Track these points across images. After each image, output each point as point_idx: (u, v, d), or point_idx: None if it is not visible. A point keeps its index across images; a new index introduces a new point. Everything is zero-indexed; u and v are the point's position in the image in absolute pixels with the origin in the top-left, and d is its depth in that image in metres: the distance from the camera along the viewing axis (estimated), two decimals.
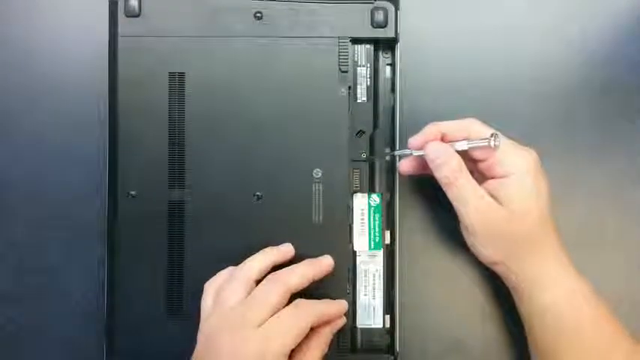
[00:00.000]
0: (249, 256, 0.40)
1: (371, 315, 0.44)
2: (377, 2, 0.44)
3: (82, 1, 0.47)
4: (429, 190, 0.46)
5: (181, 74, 0.43)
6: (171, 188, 0.43)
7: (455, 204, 0.40)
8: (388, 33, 0.44)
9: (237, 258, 0.41)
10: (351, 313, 0.43)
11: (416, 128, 0.44)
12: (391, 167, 0.44)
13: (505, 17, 0.48)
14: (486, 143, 0.40)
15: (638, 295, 0.47)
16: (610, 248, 0.47)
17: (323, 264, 0.41)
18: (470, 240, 0.41)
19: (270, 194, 0.43)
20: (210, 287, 0.40)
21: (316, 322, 0.39)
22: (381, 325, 0.44)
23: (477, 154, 0.41)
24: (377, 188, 0.44)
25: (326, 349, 0.40)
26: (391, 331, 0.44)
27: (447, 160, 0.40)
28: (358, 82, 0.45)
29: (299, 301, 0.38)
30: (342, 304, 0.41)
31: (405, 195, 0.46)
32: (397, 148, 0.44)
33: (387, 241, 0.44)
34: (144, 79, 0.43)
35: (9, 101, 0.47)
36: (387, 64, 0.45)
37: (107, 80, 0.43)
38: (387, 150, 0.44)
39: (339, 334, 0.42)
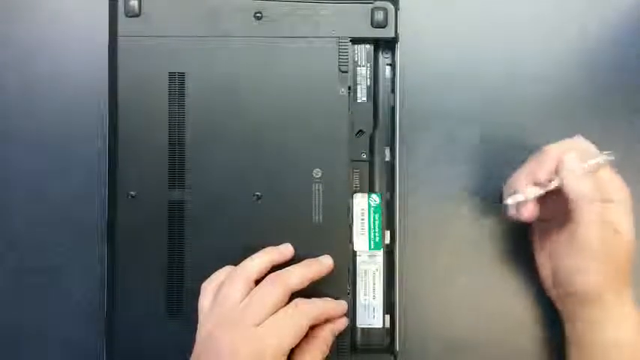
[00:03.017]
0: (249, 256, 0.40)
1: (371, 315, 0.44)
2: (377, 2, 0.44)
3: (82, 1, 0.47)
4: (429, 190, 0.46)
5: (181, 74, 0.43)
6: (172, 188, 0.43)
7: (584, 222, 0.39)
8: (388, 33, 0.44)
9: (237, 258, 0.41)
10: (351, 313, 0.43)
11: (416, 128, 0.44)
12: (391, 167, 0.44)
13: (505, 17, 0.48)
14: (608, 158, 0.40)
15: (638, 295, 0.46)
16: None
17: (323, 264, 0.41)
18: (578, 260, 0.40)
19: (270, 194, 0.43)
20: (209, 287, 0.40)
21: (315, 322, 0.39)
22: (381, 325, 0.44)
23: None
24: (377, 188, 0.44)
25: (327, 351, 0.40)
26: (391, 331, 0.44)
27: (589, 179, 0.40)
28: (358, 82, 0.45)
29: (298, 301, 0.38)
30: (342, 305, 0.41)
31: (405, 195, 0.46)
32: (397, 149, 0.44)
33: (387, 241, 0.44)
34: (144, 79, 0.43)
35: (9, 101, 0.47)
36: (387, 64, 0.45)
37: (107, 80, 0.43)
38: (388, 153, 0.44)
39: (339, 333, 0.42)
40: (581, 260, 0.40)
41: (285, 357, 0.37)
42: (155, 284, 0.43)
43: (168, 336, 0.42)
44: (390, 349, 0.43)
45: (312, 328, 0.39)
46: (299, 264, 0.41)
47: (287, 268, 0.40)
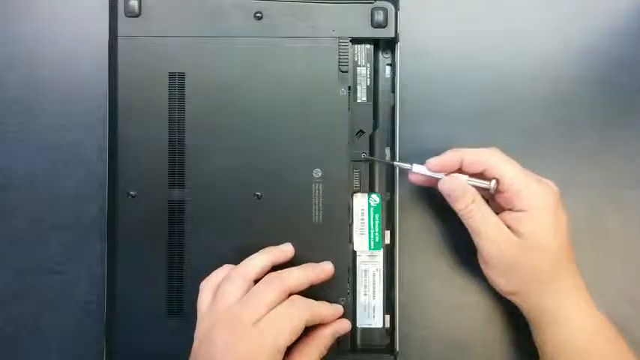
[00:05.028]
0: (249, 256, 0.40)
1: (371, 315, 0.44)
2: (377, 2, 0.44)
3: (82, 1, 0.47)
4: (429, 190, 0.46)
5: (181, 74, 0.43)
6: (172, 188, 0.43)
7: (472, 235, 0.41)
8: (388, 33, 0.44)
9: (237, 258, 0.41)
10: (351, 313, 0.43)
11: (416, 128, 0.44)
12: (391, 168, 0.44)
13: (505, 17, 0.48)
14: (486, 186, 0.41)
15: (638, 294, 0.47)
16: (610, 248, 0.47)
17: (323, 269, 0.41)
18: (486, 271, 0.42)
19: (270, 194, 0.43)
20: (208, 285, 0.40)
21: (311, 320, 0.38)
22: (381, 325, 0.44)
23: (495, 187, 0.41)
24: (377, 188, 0.44)
25: (324, 352, 0.39)
26: (391, 331, 0.44)
27: (461, 194, 0.40)
28: (358, 82, 0.45)
29: (294, 298, 0.38)
30: (336, 308, 0.41)
31: (405, 195, 0.46)
32: (397, 149, 0.44)
33: (387, 241, 0.44)
34: (144, 79, 0.43)
35: (9, 101, 0.47)
36: (387, 64, 0.45)
37: (107, 80, 0.43)
38: (388, 153, 0.44)
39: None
40: (484, 267, 0.42)
41: (282, 355, 0.37)
42: (155, 284, 0.43)
43: (168, 336, 0.42)
44: (390, 349, 0.43)
45: (312, 328, 0.39)
46: (299, 266, 0.41)
47: (287, 270, 0.40)
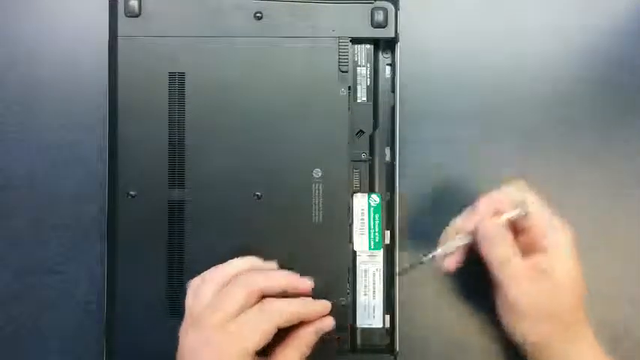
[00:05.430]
0: (248, 256, 0.41)
1: (371, 315, 0.44)
2: (377, 2, 0.44)
3: (82, 1, 0.47)
4: (428, 190, 0.46)
5: (181, 74, 0.43)
6: (172, 188, 0.43)
7: (507, 282, 0.39)
8: (388, 33, 0.44)
9: (236, 258, 0.41)
10: (351, 313, 0.43)
11: (416, 128, 0.44)
12: (391, 167, 0.44)
13: (505, 17, 0.48)
14: (518, 214, 0.39)
15: (638, 294, 0.47)
16: (610, 248, 0.47)
17: (302, 280, 0.40)
18: (513, 319, 0.40)
19: (270, 194, 0.43)
20: (191, 285, 0.40)
21: (286, 322, 0.37)
22: (381, 325, 0.44)
23: (520, 225, 0.40)
24: (377, 188, 0.44)
25: (307, 351, 0.38)
26: (391, 331, 0.44)
27: (501, 239, 0.39)
28: (358, 82, 0.45)
29: (265, 301, 0.37)
30: (323, 305, 0.40)
31: (405, 195, 0.46)
32: (397, 149, 0.44)
33: (387, 241, 0.44)
34: (144, 79, 0.43)
35: (9, 101, 0.47)
36: (387, 64, 0.45)
37: (107, 80, 0.43)
38: (388, 153, 0.44)
39: (338, 334, 0.42)
40: (510, 315, 0.40)
41: (252, 357, 0.36)
42: (155, 284, 0.43)
43: (168, 336, 0.42)
44: (390, 349, 0.43)
45: (294, 327, 0.38)
46: (279, 270, 0.40)
47: (262, 271, 0.40)
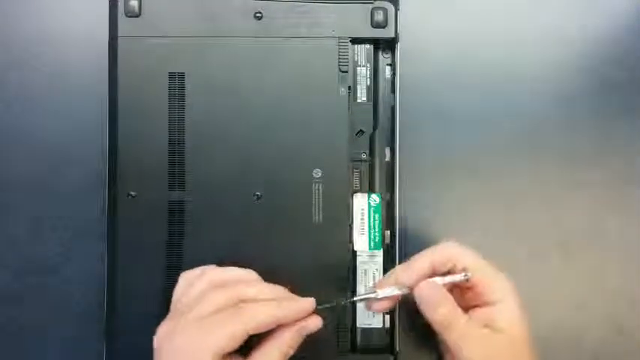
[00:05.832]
0: (249, 256, 0.41)
1: (371, 315, 0.44)
2: (377, 2, 0.44)
3: (82, 1, 0.47)
4: (429, 190, 0.46)
5: (181, 74, 0.43)
6: (171, 188, 0.43)
7: (455, 343, 0.37)
8: (388, 33, 0.44)
9: (236, 258, 0.41)
10: (351, 313, 0.43)
11: (416, 128, 0.44)
12: (391, 167, 0.44)
13: (505, 17, 0.48)
14: (461, 279, 0.38)
15: (638, 294, 0.47)
16: (610, 248, 0.47)
17: (293, 299, 0.39)
18: None
19: (270, 194, 0.43)
20: (184, 277, 0.40)
21: (259, 329, 0.36)
22: (381, 325, 0.44)
23: (463, 284, 0.39)
24: (377, 188, 0.44)
25: (290, 351, 0.37)
26: (391, 330, 0.44)
27: (443, 301, 0.38)
28: (358, 82, 0.45)
29: (242, 305, 0.37)
30: (303, 306, 0.38)
31: (405, 195, 0.46)
32: (397, 149, 0.44)
33: (387, 241, 0.44)
34: (144, 79, 0.43)
35: (9, 101, 0.47)
36: (387, 64, 0.45)
37: (107, 80, 0.43)
38: (388, 153, 0.44)
39: (338, 333, 0.42)
40: None
41: (221, 358, 0.35)
42: (155, 284, 0.43)
43: None
44: (390, 349, 0.43)
45: (279, 326, 0.37)
46: (267, 284, 0.39)
47: (257, 285, 0.39)
